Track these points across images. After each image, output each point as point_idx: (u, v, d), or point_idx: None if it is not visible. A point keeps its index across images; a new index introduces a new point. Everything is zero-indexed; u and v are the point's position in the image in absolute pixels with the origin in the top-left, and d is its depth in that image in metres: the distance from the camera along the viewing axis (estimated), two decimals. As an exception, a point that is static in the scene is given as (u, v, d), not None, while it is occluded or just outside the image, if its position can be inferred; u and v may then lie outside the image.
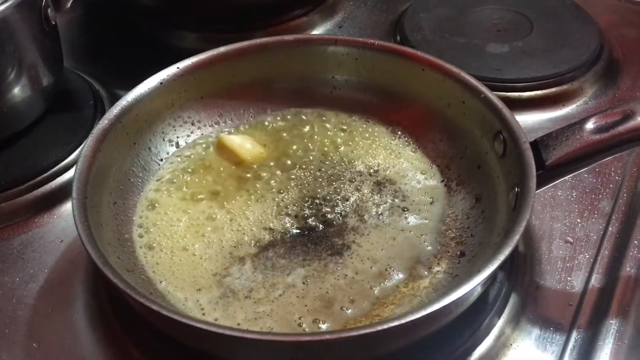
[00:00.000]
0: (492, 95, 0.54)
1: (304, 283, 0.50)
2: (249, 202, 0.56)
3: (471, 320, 0.49)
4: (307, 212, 0.55)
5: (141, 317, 0.46)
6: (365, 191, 0.57)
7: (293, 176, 0.58)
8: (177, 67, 0.59)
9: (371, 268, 0.51)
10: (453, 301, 0.42)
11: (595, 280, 0.53)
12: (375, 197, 0.56)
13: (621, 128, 0.47)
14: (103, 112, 0.67)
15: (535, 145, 0.50)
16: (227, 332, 0.39)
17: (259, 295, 0.49)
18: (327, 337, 0.39)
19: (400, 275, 0.50)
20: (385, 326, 0.40)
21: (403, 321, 0.41)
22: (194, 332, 0.40)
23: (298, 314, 0.48)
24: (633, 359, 0.48)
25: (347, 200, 0.56)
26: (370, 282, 0.50)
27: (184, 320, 0.39)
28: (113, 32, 0.82)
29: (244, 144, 0.60)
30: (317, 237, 0.53)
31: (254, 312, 0.48)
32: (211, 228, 0.54)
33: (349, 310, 0.48)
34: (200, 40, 0.81)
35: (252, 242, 0.53)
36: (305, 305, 0.48)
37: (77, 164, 0.50)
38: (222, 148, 0.60)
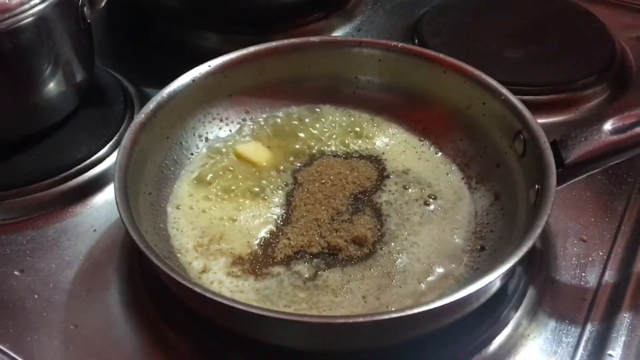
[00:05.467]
0: (513, 97, 0.57)
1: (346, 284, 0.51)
2: (275, 204, 0.58)
3: (491, 311, 0.52)
4: (343, 213, 0.57)
5: (177, 301, 0.49)
6: (399, 191, 0.59)
7: (321, 176, 0.60)
8: (209, 66, 0.61)
9: (417, 264, 0.53)
10: (475, 292, 0.44)
11: (609, 277, 0.55)
12: (409, 196, 0.58)
13: (638, 129, 0.50)
14: (132, 108, 0.70)
15: (555, 144, 0.52)
16: (269, 314, 0.41)
17: (299, 307, 0.50)
18: (360, 320, 0.42)
19: (441, 269, 0.53)
20: (409, 312, 0.43)
21: (427, 308, 0.43)
22: (234, 314, 0.42)
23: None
24: (645, 351, 0.50)
25: (381, 200, 0.58)
26: (418, 277, 0.52)
27: (227, 302, 0.41)
28: (139, 32, 0.85)
29: (257, 151, 0.62)
30: (357, 239, 0.55)
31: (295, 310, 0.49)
32: (242, 229, 0.55)
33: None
34: (222, 41, 0.83)
35: (285, 247, 0.54)
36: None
37: (117, 154, 0.52)
38: (240, 157, 0.62)
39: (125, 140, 0.53)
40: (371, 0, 0.89)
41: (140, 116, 0.56)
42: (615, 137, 0.50)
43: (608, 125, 0.50)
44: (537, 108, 0.69)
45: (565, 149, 0.51)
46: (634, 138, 0.49)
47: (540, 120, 0.68)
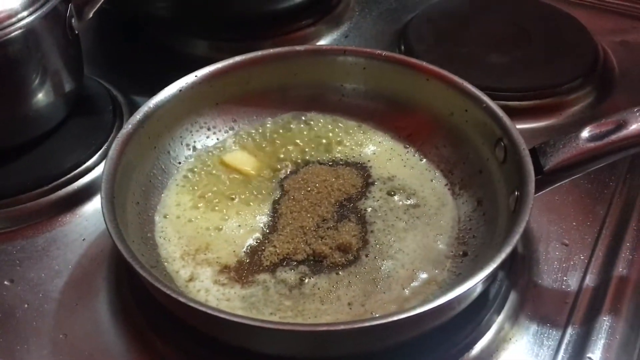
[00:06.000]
0: (494, 105, 0.58)
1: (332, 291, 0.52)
2: (262, 212, 0.59)
3: (473, 316, 0.52)
4: (329, 220, 0.57)
5: (164, 310, 0.50)
6: (383, 198, 0.60)
7: (307, 184, 0.60)
8: (195, 75, 0.62)
9: (402, 269, 0.54)
10: (456, 297, 0.45)
11: (590, 280, 0.56)
12: (394, 203, 0.59)
13: (614, 137, 0.50)
14: (121, 117, 0.70)
15: (534, 152, 0.53)
16: (252, 323, 0.42)
17: (285, 315, 0.50)
18: (342, 327, 0.42)
19: (424, 275, 0.53)
20: (390, 319, 0.44)
21: (409, 314, 0.44)
22: (218, 323, 0.43)
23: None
24: (624, 354, 0.51)
25: (366, 207, 0.59)
26: (402, 283, 0.53)
27: (209, 311, 0.42)
28: (129, 40, 0.85)
29: (244, 160, 0.63)
30: (342, 246, 0.55)
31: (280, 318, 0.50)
32: (228, 238, 0.56)
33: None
34: (211, 48, 0.84)
35: (271, 255, 0.55)
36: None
37: (104, 166, 0.53)
38: (227, 166, 0.63)
39: (112, 152, 0.54)
40: (359, 7, 0.90)
41: (127, 127, 0.56)
42: (592, 145, 0.51)
43: (585, 133, 0.51)
44: (521, 113, 0.71)
45: (544, 156, 0.52)
46: (610, 145, 0.50)
47: (525, 126, 0.70)
